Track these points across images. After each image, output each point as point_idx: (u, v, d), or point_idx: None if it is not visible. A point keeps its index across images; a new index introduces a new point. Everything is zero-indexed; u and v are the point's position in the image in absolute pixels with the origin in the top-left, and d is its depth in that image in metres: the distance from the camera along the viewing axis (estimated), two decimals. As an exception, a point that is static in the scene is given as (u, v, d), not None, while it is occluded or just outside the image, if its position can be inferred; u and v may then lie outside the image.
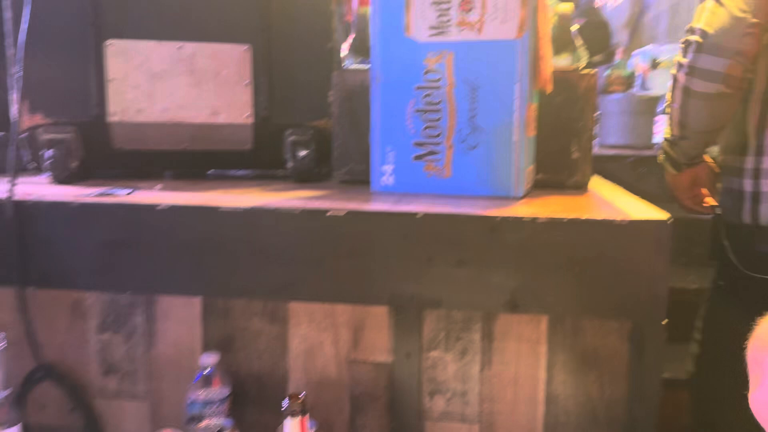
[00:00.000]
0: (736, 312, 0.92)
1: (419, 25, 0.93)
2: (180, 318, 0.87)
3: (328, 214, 0.80)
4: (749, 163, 1.05)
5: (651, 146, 2.41)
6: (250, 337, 0.86)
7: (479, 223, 0.76)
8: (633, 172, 2.30)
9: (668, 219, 0.74)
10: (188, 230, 0.83)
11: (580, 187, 1.04)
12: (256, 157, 1.14)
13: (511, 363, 0.81)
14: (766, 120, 1.03)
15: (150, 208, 0.83)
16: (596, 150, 2.54)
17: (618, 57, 2.81)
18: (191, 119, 1.07)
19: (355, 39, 1.15)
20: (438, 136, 0.95)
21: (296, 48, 1.11)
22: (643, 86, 2.54)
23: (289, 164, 1.11)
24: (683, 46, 1.04)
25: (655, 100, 2.38)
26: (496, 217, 0.76)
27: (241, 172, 1.26)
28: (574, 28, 1.10)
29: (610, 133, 2.59)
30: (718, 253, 1.14)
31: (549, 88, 0.97)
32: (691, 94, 1.03)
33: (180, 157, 1.11)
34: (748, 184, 1.05)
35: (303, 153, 1.11)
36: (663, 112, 2.38)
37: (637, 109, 2.47)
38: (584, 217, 0.75)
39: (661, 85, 2.49)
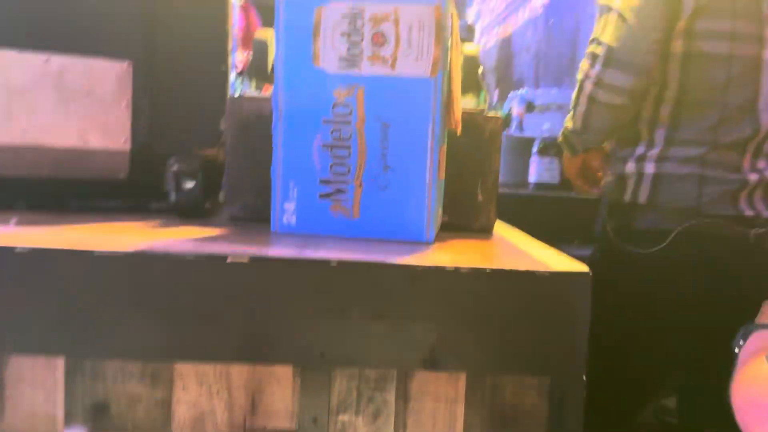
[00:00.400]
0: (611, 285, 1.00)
1: (328, 55, 0.86)
2: (37, 382, 0.72)
3: (229, 260, 0.70)
4: (638, 151, 1.12)
5: (526, 185, 2.50)
6: (127, 403, 0.73)
7: (399, 273, 0.70)
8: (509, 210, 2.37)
9: (589, 272, 0.72)
10: (53, 277, 0.69)
11: (486, 231, 1.02)
12: (131, 187, 1.01)
13: (427, 424, 0.74)
14: (659, 118, 1.10)
15: (6, 252, 0.68)
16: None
17: (495, 99, 2.92)
18: (56, 143, 0.92)
19: (252, 64, 1.07)
20: (346, 174, 0.88)
21: (185, 68, 1.00)
22: (519, 128, 2.65)
23: (172, 197, 0.99)
24: (590, 56, 1.09)
25: (531, 141, 2.48)
26: (417, 266, 0.70)
27: (111, 204, 1.11)
28: (480, 70, 1.09)
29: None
30: (600, 231, 1.22)
31: (459, 130, 0.94)
32: (596, 103, 1.09)
33: (39, 186, 0.96)
34: (632, 167, 1.12)
35: (189, 185, 0.99)
36: (537, 153, 2.50)
37: (514, 150, 2.57)
38: (508, 267, 0.72)
39: (535, 127, 2.61)
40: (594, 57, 1.06)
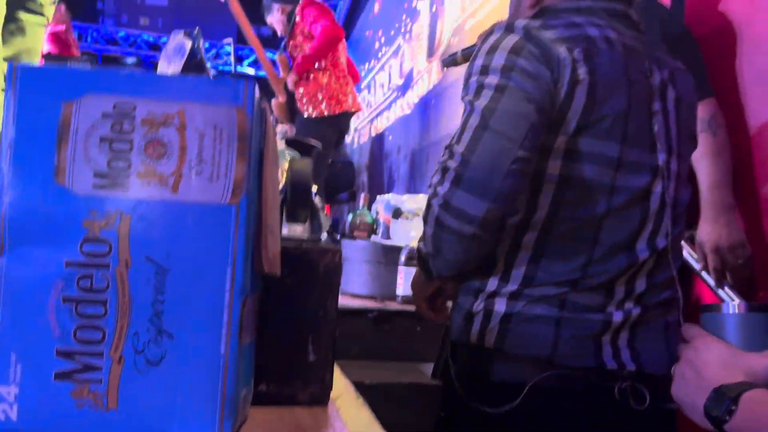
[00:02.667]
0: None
1: (79, 170, 0.60)
2: None
3: None
4: (491, 285, 0.91)
5: (394, 297, 2.30)
6: None
7: None
8: (376, 328, 2.14)
9: None
10: None
11: (319, 402, 0.76)
12: None
13: None
14: (520, 247, 0.92)
15: None
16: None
17: (362, 202, 2.76)
18: None
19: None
20: (99, 342, 0.59)
21: None
22: (386, 235, 2.48)
23: None
24: (441, 169, 0.89)
25: (398, 250, 2.30)
26: None
27: None
28: (315, 188, 0.87)
29: (352, 281, 2.44)
30: (444, 373, 1.00)
31: (277, 270, 0.69)
32: (444, 228, 0.88)
33: None
34: (480, 303, 0.93)
35: None
36: (404, 263, 2.32)
37: (381, 259, 2.38)
38: None
39: (403, 234, 2.45)
40: (444, 171, 0.86)
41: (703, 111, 1.32)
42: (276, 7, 3.38)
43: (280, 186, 0.85)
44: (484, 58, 0.91)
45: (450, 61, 1.35)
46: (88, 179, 0.60)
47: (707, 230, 1.26)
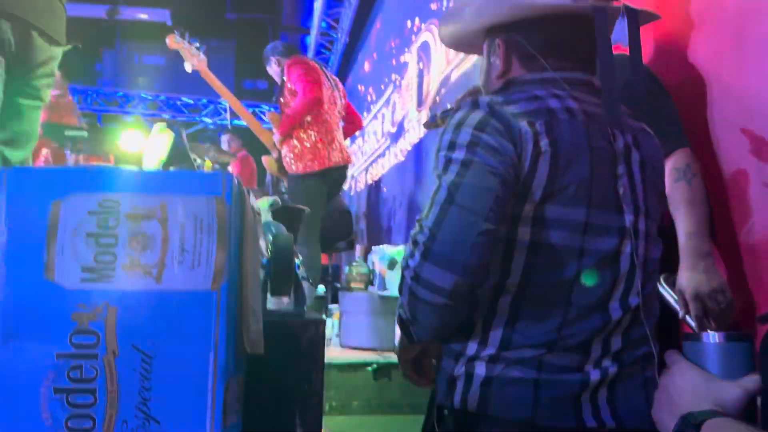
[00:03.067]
0: None
1: (68, 265, 0.63)
2: None
3: None
4: (470, 349, 0.95)
5: (393, 349, 2.31)
6: None
7: None
8: (376, 381, 2.14)
9: None
10: None
11: (308, 476, 0.77)
12: None
13: None
14: (496, 311, 0.94)
15: None
16: (337, 353, 2.37)
17: (358, 254, 2.78)
18: None
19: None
20: (90, 430, 0.62)
21: None
22: (383, 286, 2.50)
23: None
24: (412, 241, 0.93)
25: (395, 301, 2.32)
26: None
27: None
28: (297, 260, 0.90)
29: (351, 334, 2.45)
30: None
31: (260, 350, 0.71)
32: (417, 299, 0.91)
33: None
34: (461, 368, 0.95)
35: None
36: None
37: (378, 310, 2.39)
38: None
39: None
40: (415, 245, 0.90)
41: (677, 161, 1.36)
42: (273, 59, 3.45)
43: (265, 258, 0.88)
44: (452, 134, 0.95)
45: (431, 123, 1.40)
46: (76, 274, 0.63)
47: (687, 277, 1.28)
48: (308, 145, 3.11)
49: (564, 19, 1.02)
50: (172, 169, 0.76)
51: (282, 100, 3.27)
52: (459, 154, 0.92)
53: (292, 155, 3.13)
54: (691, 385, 0.74)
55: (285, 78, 3.22)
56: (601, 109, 0.97)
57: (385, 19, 5.44)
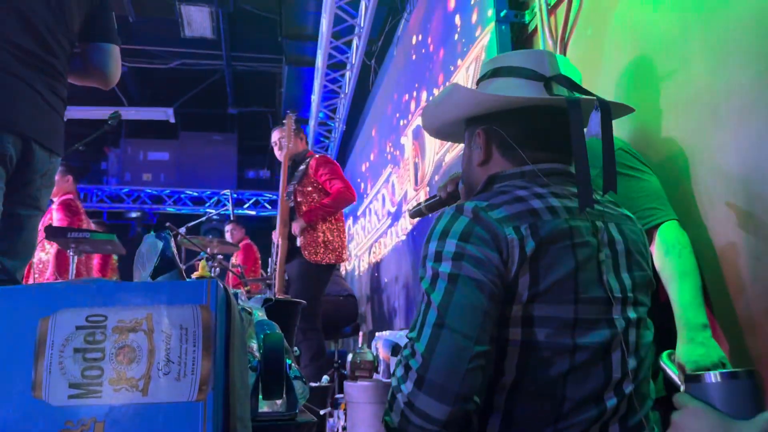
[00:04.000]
0: None
1: (55, 382, 0.63)
2: None
3: None
4: None
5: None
6: None
7: None
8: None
9: None
10: None
11: None
12: None
13: None
14: (492, 407, 0.94)
15: None
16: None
17: (360, 340, 2.76)
18: None
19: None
20: None
21: None
22: (388, 373, 2.46)
23: None
24: (403, 363, 0.91)
25: (400, 389, 2.27)
26: None
27: None
28: (294, 356, 0.90)
29: (358, 425, 2.39)
30: None
31: (251, 457, 0.70)
32: (410, 424, 0.90)
33: None
34: None
35: None
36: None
37: (385, 399, 2.34)
38: None
39: (403, 371, 2.43)
40: (407, 369, 0.89)
41: (665, 234, 1.37)
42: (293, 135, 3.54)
43: (257, 358, 0.88)
44: (437, 244, 0.96)
45: (415, 213, 1.43)
46: (63, 390, 0.63)
47: (685, 351, 1.27)
48: (331, 238, 3.27)
49: (539, 110, 1.06)
50: (160, 278, 0.78)
51: (299, 188, 3.35)
52: (445, 267, 0.93)
53: (309, 246, 3.22)
54: (708, 426, 0.73)
55: (310, 171, 3.34)
56: (578, 199, 0.98)
57: (377, 107, 5.62)
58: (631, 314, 0.98)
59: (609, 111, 1.02)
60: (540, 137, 1.06)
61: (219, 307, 0.68)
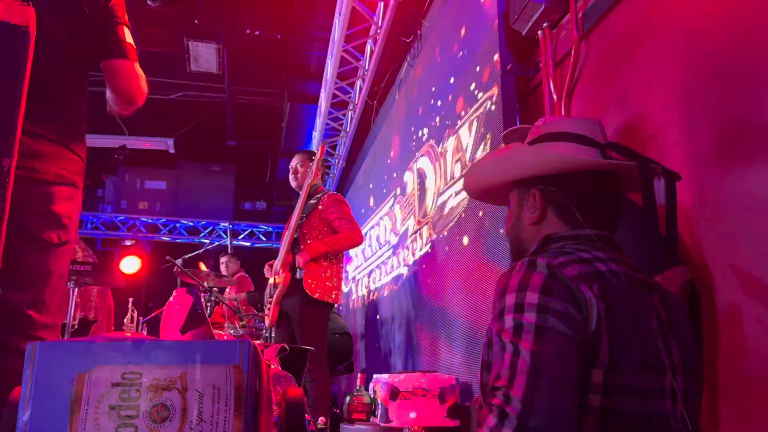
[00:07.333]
0: None
1: (89, 438, 0.65)
2: None
3: None
4: None
5: (397, 486, 2.22)
6: None
7: None
8: None
9: None
10: None
11: None
12: None
13: None
14: None
15: None
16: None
17: (358, 381, 2.74)
18: None
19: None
20: None
21: None
22: (385, 417, 2.44)
23: None
24: (497, 411, 0.88)
25: (398, 434, 2.26)
26: None
27: None
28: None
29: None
30: None
31: None
32: None
33: None
34: None
35: None
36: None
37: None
38: None
39: (403, 415, 2.41)
40: (503, 416, 0.86)
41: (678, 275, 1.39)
42: (309, 163, 3.53)
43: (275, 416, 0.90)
44: (517, 296, 0.94)
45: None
46: (96, 447, 0.65)
47: None
48: (331, 276, 3.26)
49: (596, 176, 1.09)
50: (188, 334, 0.79)
51: (307, 221, 3.34)
52: (530, 317, 0.92)
53: (312, 281, 3.18)
54: None
55: (321, 207, 3.34)
56: (646, 264, 0.99)
57: (378, 144, 5.68)
58: (679, 385, 0.99)
59: (673, 179, 1.05)
60: (593, 202, 1.09)
61: (251, 366, 0.70)
